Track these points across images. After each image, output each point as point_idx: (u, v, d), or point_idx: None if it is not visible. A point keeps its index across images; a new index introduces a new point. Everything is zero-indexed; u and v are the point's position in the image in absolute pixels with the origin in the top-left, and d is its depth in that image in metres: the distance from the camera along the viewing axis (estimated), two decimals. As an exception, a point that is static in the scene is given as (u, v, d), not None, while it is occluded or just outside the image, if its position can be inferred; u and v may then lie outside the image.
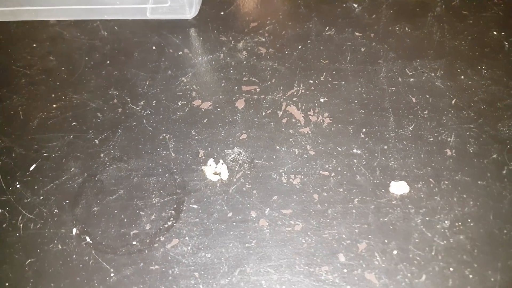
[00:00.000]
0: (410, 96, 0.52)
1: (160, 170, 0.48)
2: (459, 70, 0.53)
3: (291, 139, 0.50)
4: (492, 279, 0.40)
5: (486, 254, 0.41)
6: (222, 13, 0.60)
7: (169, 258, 0.43)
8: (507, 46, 0.55)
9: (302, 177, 0.47)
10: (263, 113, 0.52)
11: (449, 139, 0.48)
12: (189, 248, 0.44)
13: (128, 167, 0.49)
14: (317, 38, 0.57)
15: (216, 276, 0.42)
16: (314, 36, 0.57)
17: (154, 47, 0.57)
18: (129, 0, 0.58)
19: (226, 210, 0.46)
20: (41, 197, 0.48)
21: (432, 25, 0.57)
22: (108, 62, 0.57)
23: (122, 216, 0.46)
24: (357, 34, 0.57)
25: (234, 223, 0.45)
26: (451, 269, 0.41)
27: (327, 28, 0.58)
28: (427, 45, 0.56)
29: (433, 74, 0.53)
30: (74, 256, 0.44)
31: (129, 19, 0.59)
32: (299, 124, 0.51)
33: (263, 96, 0.53)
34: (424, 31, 0.57)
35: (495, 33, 0.57)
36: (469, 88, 0.52)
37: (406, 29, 0.57)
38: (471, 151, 0.47)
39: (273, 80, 0.54)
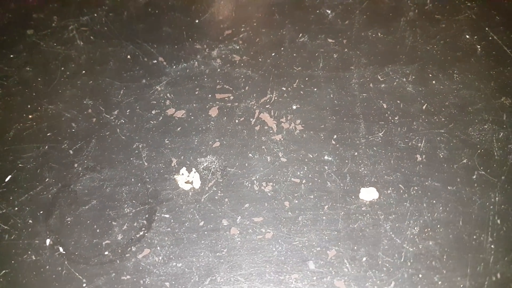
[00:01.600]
0: (381, 102, 0.51)
1: (132, 179, 0.47)
2: (430, 75, 0.53)
3: (263, 147, 0.49)
4: (462, 286, 0.39)
5: (455, 260, 0.41)
6: (196, 21, 0.59)
7: (141, 268, 0.43)
8: (479, 49, 0.55)
9: (274, 184, 0.46)
10: (236, 121, 0.51)
11: (419, 144, 0.47)
12: (160, 258, 0.43)
13: (101, 177, 0.48)
14: (290, 45, 0.56)
15: (186, 286, 0.41)
16: (288, 43, 0.56)
17: (129, 56, 0.56)
18: None
19: (198, 219, 0.45)
20: (16, 208, 0.47)
21: (405, 29, 0.56)
22: (84, 72, 0.56)
23: (95, 226, 0.45)
24: (330, 40, 0.56)
25: (206, 232, 0.44)
26: (420, 275, 0.40)
27: (301, 34, 0.57)
28: (399, 50, 0.55)
29: (404, 80, 0.52)
30: (47, 266, 0.43)
31: (104, 29, 0.58)
32: (271, 131, 0.50)
33: (236, 104, 0.52)
34: (397, 36, 0.56)
35: (467, 36, 0.56)
36: (440, 92, 0.51)
37: (379, 34, 0.56)
38: (441, 156, 0.47)
39: (247, 88, 0.53)
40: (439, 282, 0.39)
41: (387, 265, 0.40)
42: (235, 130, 0.50)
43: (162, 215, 0.45)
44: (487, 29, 0.56)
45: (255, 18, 0.59)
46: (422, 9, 0.58)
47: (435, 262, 0.40)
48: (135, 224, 0.45)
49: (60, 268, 0.43)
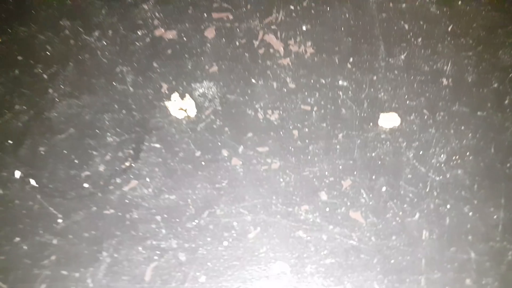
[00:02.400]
0: (402, 22, 0.47)
1: (116, 106, 0.44)
2: (456, -6, 0.50)
3: (268, 72, 0.46)
4: (495, 217, 0.37)
5: (487, 189, 0.38)
6: None
7: (127, 201, 0.39)
8: (508, -30, 0.52)
9: (281, 112, 0.43)
10: (237, 43, 0.48)
11: (445, 67, 0.45)
12: (150, 190, 0.40)
13: (80, 103, 0.44)
14: (298, -41, 0.53)
15: (181, 219, 0.38)
16: (295, -43, 0.53)
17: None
18: None
19: (194, 149, 0.42)
20: (-19, 139, 0.43)
21: None
22: (60, -11, 0.52)
23: (72, 156, 0.41)
24: (342, -46, 0.53)
25: (203, 163, 0.41)
26: (448, 206, 0.38)
27: None
28: (420, -34, 0.52)
29: (427, -1, 0.50)
30: (17, 201, 0.39)
31: None
32: (278, 54, 0.47)
33: (236, 24, 0.49)
34: (417, -47, 0.53)
35: (495, -45, 0.53)
36: (467, 14, 0.48)
37: (397, -50, 0.53)
38: (470, 80, 0.44)
39: (248, 6, 0.49)
40: (470, 213, 0.37)
41: (411, 195, 0.38)
42: (236, 53, 0.47)
43: (152, 144, 0.42)
44: None
45: None
46: None
47: (465, 192, 0.38)
48: (119, 154, 0.41)
49: (31, 203, 0.39)
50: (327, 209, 0.37)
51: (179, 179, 0.39)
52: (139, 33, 0.48)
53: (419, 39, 0.46)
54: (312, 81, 0.44)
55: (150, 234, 0.38)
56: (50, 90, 0.45)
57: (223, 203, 0.38)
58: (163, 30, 0.48)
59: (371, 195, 0.37)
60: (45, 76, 0.46)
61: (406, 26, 0.47)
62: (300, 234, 0.36)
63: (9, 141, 0.42)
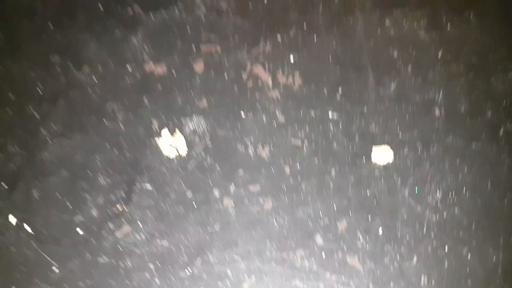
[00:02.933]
0: (391, 50, 0.42)
1: (107, 145, 0.39)
2: (444, 18, 0.44)
3: (257, 104, 0.40)
4: (494, 258, 0.32)
5: (485, 229, 0.33)
6: (177, -37, 0.49)
7: (120, 248, 0.35)
8: (497, -11, 0.46)
9: (271, 147, 0.38)
10: (226, 76, 0.42)
11: (436, 97, 0.39)
12: (142, 236, 0.35)
13: (71, 143, 0.39)
14: (285, -13, 0.47)
15: (174, 268, 0.34)
16: (282, -15, 0.47)
17: (99, 5, 0.46)
18: None
19: (185, 189, 0.37)
20: (-24, 182, 0.38)
21: (414, -32, 0.47)
22: (50, 25, 0.46)
23: (66, 200, 0.37)
24: (330, -20, 0.47)
25: (195, 205, 0.36)
26: (446, 248, 0.33)
27: (297, -24, 0.47)
28: (409, -10, 0.46)
29: (415, 25, 0.43)
30: (12, 248, 0.36)
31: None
32: (266, 86, 0.41)
33: (225, 57, 0.43)
34: (405, -25, 0.47)
35: (484, -25, 0.47)
36: (456, 38, 0.42)
37: (385, -27, 0.47)
38: (462, 109, 0.38)
39: (236, 38, 0.44)
40: (469, 255, 0.32)
41: (408, 237, 0.33)
42: (225, 86, 0.42)
43: (143, 185, 0.37)
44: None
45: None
46: None
47: (463, 232, 0.33)
48: (111, 197, 0.37)
49: (27, 250, 0.35)
50: (324, 255, 0.31)
51: (171, 222, 0.34)
52: (129, 68, 0.42)
53: (409, 67, 0.40)
54: (301, 113, 0.39)
55: (144, 284, 0.34)
56: (42, 130, 0.40)
57: (216, 249, 0.33)
58: (152, 64, 0.42)
59: (367, 238, 0.32)
60: (36, 115, 0.40)
61: (395, 54, 0.41)
62: (297, 283, 0.31)
63: (3, 184, 0.37)
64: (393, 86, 0.40)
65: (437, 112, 0.38)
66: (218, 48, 0.44)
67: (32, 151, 0.39)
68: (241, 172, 0.37)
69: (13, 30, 0.47)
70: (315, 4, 0.45)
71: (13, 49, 0.46)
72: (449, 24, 0.43)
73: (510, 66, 0.41)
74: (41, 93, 0.42)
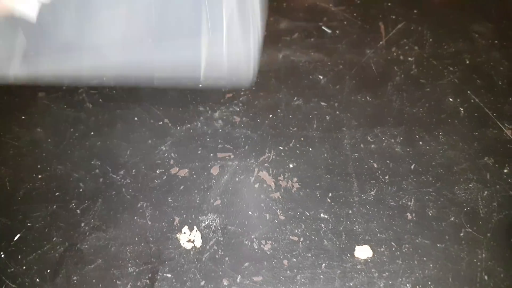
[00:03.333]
0: (371, 161, 0.52)
1: (136, 238, 0.47)
2: (417, 136, 0.54)
3: (262, 204, 0.49)
4: None
5: None
6: (200, 85, 0.60)
7: None
8: (462, 111, 0.56)
9: (273, 242, 0.46)
10: (237, 179, 0.52)
11: (409, 203, 0.48)
12: (163, 318, 0.42)
13: (107, 236, 0.48)
14: (286, 107, 0.57)
15: None
16: (284, 106, 0.58)
17: (136, 118, 0.57)
18: (181, 69, 0.50)
19: (199, 278, 0.44)
20: (24, 267, 0.46)
21: (392, 94, 0.58)
22: (92, 133, 0.57)
23: (100, 285, 0.44)
24: (322, 103, 0.57)
25: (207, 290, 0.44)
26: (415, 336, 0.40)
27: (295, 98, 0.58)
28: (387, 113, 0.56)
29: (393, 141, 0.53)
30: None
31: (113, 92, 0.59)
32: (270, 189, 0.50)
33: (236, 163, 0.53)
34: (384, 100, 0.57)
35: (451, 99, 0.57)
36: (427, 153, 0.52)
37: (368, 98, 0.58)
38: (430, 214, 0.47)
39: (246, 147, 0.54)
40: None
41: (383, 324, 0.40)
42: (236, 188, 0.51)
43: (164, 274, 0.45)
44: (469, 92, 0.58)
45: (253, 82, 0.60)
46: (407, 74, 0.60)
47: (429, 322, 0.40)
48: (138, 284, 0.44)
49: None
50: None
51: (187, 307, 0.41)
52: (157, 171, 0.51)
53: (386, 177, 0.49)
54: (298, 213, 0.47)
55: None
56: (82, 224, 0.48)
57: (224, 331, 0.40)
58: (177, 168, 0.52)
59: (350, 326, 0.39)
60: (78, 211, 0.49)
61: (375, 165, 0.50)
62: None
63: (48, 270, 0.45)
64: (373, 192, 0.49)
65: (409, 216, 0.47)
66: (232, 155, 0.54)
67: (73, 242, 0.48)
68: (246, 264, 0.45)
69: (61, 137, 0.58)
70: (311, 121, 0.56)
71: (59, 153, 0.56)
72: (421, 142, 0.53)
73: (472, 178, 0.50)
74: (82, 191, 0.52)
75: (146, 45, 0.50)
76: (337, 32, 0.64)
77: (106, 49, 0.50)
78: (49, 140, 0.57)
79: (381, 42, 0.63)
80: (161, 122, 0.57)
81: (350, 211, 0.48)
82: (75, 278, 0.45)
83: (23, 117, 0.60)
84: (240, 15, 0.47)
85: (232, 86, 0.56)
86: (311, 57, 0.62)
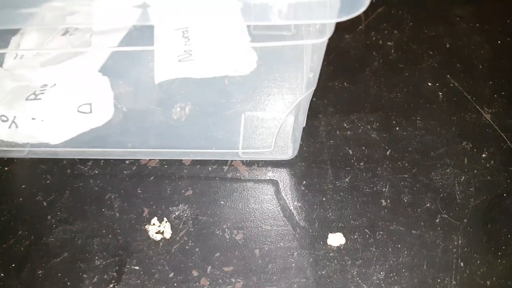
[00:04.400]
0: (347, 148, 0.52)
1: (104, 231, 0.47)
2: (394, 122, 0.54)
3: (235, 194, 0.49)
4: None
5: None
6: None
7: None
8: (441, 96, 0.56)
9: (245, 232, 0.46)
10: (209, 168, 0.52)
11: (384, 189, 0.48)
12: (129, 310, 0.42)
13: (73, 228, 0.48)
14: (261, 94, 0.58)
15: None
16: (258, 92, 0.58)
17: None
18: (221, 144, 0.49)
19: (168, 270, 0.44)
20: (-12, 262, 0.46)
21: (370, 79, 0.58)
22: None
23: (66, 279, 0.44)
24: (298, 90, 0.58)
25: (175, 284, 0.43)
26: (378, 321, 0.40)
27: (270, 84, 0.58)
28: (364, 98, 0.56)
29: (369, 127, 0.54)
30: None
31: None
32: (243, 178, 0.51)
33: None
34: (362, 86, 0.57)
35: (429, 84, 0.58)
36: (403, 139, 0.52)
37: (345, 84, 0.58)
38: (405, 200, 0.47)
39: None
40: (406, 329, 0.40)
41: (354, 311, 0.40)
42: (208, 177, 0.51)
43: (132, 267, 0.45)
44: (448, 76, 0.58)
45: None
46: (386, 58, 0.60)
47: (401, 308, 0.41)
48: (105, 277, 0.44)
49: None
50: (283, 329, 0.39)
51: (154, 299, 0.42)
52: (126, 162, 0.52)
53: (362, 163, 0.49)
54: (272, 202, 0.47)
55: None
56: (49, 217, 0.48)
57: (191, 322, 0.40)
58: (147, 159, 0.52)
59: (320, 313, 0.39)
60: (44, 203, 0.49)
61: (351, 152, 0.51)
62: None
63: (13, 265, 0.45)
64: (347, 179, 0.49)
65: (383, 202, 0.47)
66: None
67: (39, 235, 0.48)
68: (217, 254, 0.45)
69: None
70: (285, 109, 0.56)
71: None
72: (397, 127, 0.54)
73: (449, 163, 0.50)
74: (49, 183, 0.52)
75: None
76: (315, 17, 0.64)
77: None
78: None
79: (360, 27, 0.63)
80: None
81: (324, 199, 0.48)
82: (40, 272, 0.45)
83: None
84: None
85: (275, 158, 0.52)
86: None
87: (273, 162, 0.51)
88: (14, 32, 0.50)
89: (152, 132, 0.53)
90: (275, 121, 0.47)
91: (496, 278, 0.42)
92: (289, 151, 0.51)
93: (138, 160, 0.53)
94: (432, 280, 0.42)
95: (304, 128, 0.51)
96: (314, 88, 0.43)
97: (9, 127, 0.48)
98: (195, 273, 0.44)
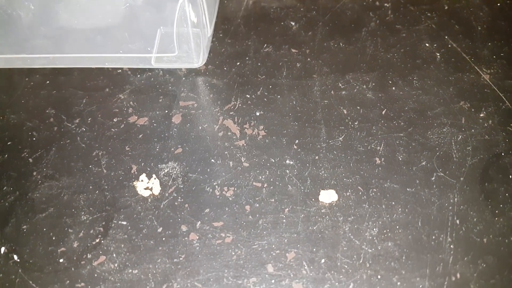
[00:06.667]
0: (341, 108, 0.50)
1: (90, 187, 0.46)
2: (390, 82, 0.52)
3: (226, 152, 0.48)
4: (421, 286, 0.38)
5: (414, 260, 0.39)
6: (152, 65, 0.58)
7: (95, 275, 0.40)
8: (438, 57, 0.55)
9: (235, 189, 0.45)
10: (200, 127, 0.50)
11: (378, 148, 0.47)
12: (116, 265, 0.41)
13: (59, 184, 0.46)
14: (255, 55, 0.56)
15: (142, 293, 0.39)
16: (252, 53, 0.56)
17: (93, 66, 0.55)
18: (132, 49, 0.51)
19: (156, 225, 0.43)
20: (-28, 218, 0.45)
21: (366, 39, 0.56)
22: (48, 82, 0.55)
23: (51, 234, 0.43)
24: (293, 50, 0.56)
25: (164, 239, 0.42)
26: (379, 276, 0.39)
27: (265, 45, 0.57)
28: (360, 59, 0.54)
29: (364, 87, 0.52)
30: (1, 275, 0.41)
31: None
32: (234, 137, 0.49)
33: (200, 111, 0.51)
34: (358, 46, 0.56)
35: (427, 45, 0.56)
36: (400, 98, 0.51)
37: (341, 44, 0.56)
38: (400, 159, 0.46)
39: (211, 95, 0.52)
40: (398, 283, 0.38)
41: (346, 266, 0.39)
42: (198, 136, 0.49)
43: (119, 222, 0.43)
44: (446, 37, 0.56)
45: (221, 29, 0.59)
46: (383, 20, 0.58)
47: (394, 263, 0.39)
48: (91, 232, 0.43)
49: (13, 276, 0.41)
50: (273, 281, 0.38)
51: (141, 254, 0.41)
52: (115, 120, 0.50)
53: (356, 123, 0.48)
54: (263, 160, 0.46)
55: (114, 307, 0.38)
56: (34, 173, 0.47)
57: (180, 277, 0.39)
58: (136, 117, 0.50)
59: (311, 267, 0.38)
60: (30, 160, 0.48)
61: (345, 111, 0.49)
62: (247, 305, 0.37)
63: (-4, 220, 0.43)
64: (341, 138, 0.48)
65: (377, 161, 0.46)
66: (195, 103, 0.52)
67: (24, 191, 0.46)
68: (207, 210, 0.44)
69: (15, 86, 0.55)
70: (280, 69, 0.54)
71: (13, 103, 0.54)
72: (394, 87, 0.52)
73: (446, 122, 0.49)
74: (35, 140, 0.50)
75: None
76: (310, -23, 0.62)
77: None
78: (3, 90, 0.55)
79: (356, -12, 0.61)
80: (119, 70, 0.55)
81: (317, 157, 0.46)
82: (25, 227, 0.44)
83: (-26, 66, 0.57)
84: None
85: (184, 66, 0.54)
86: (282, 3, 0.60)
87: (265, 122, 0.49)
88: None
89: (68, 37, 0.51)
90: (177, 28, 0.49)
91: (493, 236, 0.41)
92: (195, 58, 0.51)
93: (126, 118, 0.51)
94: (426, 237, 0.40)
95: (295, 86, 0.50)
96: None
97: None
98: (184, 228, 0.43)
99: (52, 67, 0.55)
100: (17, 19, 0.50)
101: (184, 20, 0.49)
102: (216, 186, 0.45)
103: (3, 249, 0.43)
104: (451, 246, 0.40)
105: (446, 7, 0.59)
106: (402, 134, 0.47)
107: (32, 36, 0.52)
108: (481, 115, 0.49)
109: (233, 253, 0.41)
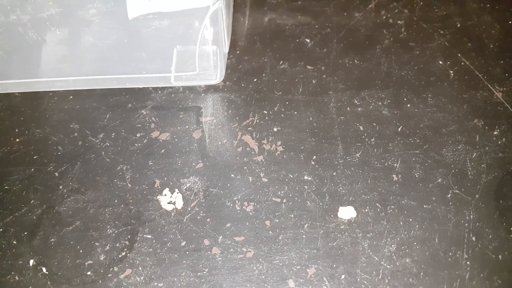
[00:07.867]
0: (357, 124, 0.51)
1: (116, 201, 0.47)
2: (405, 99, 0.53)
3: (245, 167, 0.49)
4: None
5: (431, 276, 0.40)
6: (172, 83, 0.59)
7: None
8: (452, 74, 0.55)
9: (255, 204, 0.46)
10: (219, 143, 0.51)
11: (395, 164, 0.47)
12: (141, 278, 0.42)
13: (85, 198, 0.47)
14: (271, 71, 0.57)
15: (167, 306, 0.40)
16: (269, 70, 0.57)
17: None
18: (150, 68, 0.51)
19: (180, 239, 0.44)
20: (1, 229, 0.46)
21: (380, 56, 0.57)
22: (71, 97, 0.56)
23: (78, 247, 0.44)
24: (308, 67, 0.55)
25: (187, 252, 0.43)
26: (397, 292, 0.39)
27: (281, 62, 0.56)
28: (375, 76, 0.55)
29: (380, 103, 0.53)
30: (30, 287, 0.42)
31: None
32: (253, 152, 0.50)
33: (219, 127, 0.52)
34: (372, 63, 0.56)
35: (440, 62, 0.57)
36: (415, 115, 0.51)
37: (355, 61, 0.57)
38: (417, 176, 0.46)
39: (229, 111, 0.53)
40: (417, 299, 0.39)
41: (366, 282, 0.40)
42: (218, 151, 0.50)
43: (144, 235, 0.44)
44: (459, 55, 0.57)
45: (237, 46, 0.59)
46: (397, 37, 0.59)
47: (412, 279, 0.40)
48: (117, 245, 0.44)
49: None
50: (294, 296, 0.38)
51: (166, 268, 0.41)
52: (138, 135, 0.51)
53: (372, 139, 0.49)
54: (281, 175, 0.47)
55: (141, 318, 0.39)
56: (60, 187, 0.48)
57: (203, 290, 0.39)
58: (158, 132, 0.51)
59: (332, 283, 0.39)
60: (56, 174, 0.48)
61: (361, 128, 0.50)
62: (270, 319, 0.38)
63: (25, 232, 0.44)
64: (358, 154, 0.48)
65: (395, 177, 0.46)
66: (214, 119, 0.53)
67: (51, 204, 0.47)
68: (228, 224, 0.44)
69: (39, 101, 0.56)
70: (296, 85, 0.55)
71: (38, 117, 0.55)
72: (409, 104, 0.53)
73: (460, 140, 0.49)
74: (60, 154, 0.51)
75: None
76: (326, -5, 0.63)
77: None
78: (27, 104, 0.56)
79: (370, 5, 0.62)
80: (141, 86, 0.56)
81: (334, 173, 0.47)
82: (52, 239, 0.45)
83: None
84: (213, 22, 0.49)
85: (203, 83, 0.55)
86: (298, 20, 0.61)
87: (283, 137, 0.50)
88: None
89: (87, 58, 0.52)
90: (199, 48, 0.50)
91: (508, 252, 0.41)
92: (214, 75, 0.52)
93: (149, 133, 0.52)
94: (443, 253, 0.41)
95: (311, 103, 0.51)
96: (217, 7, 0.46)
97: None
98: (206, 242, 0.43)
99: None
100: (42, 44, 0.51)
101: (203, 38, 0.50)
102: (237, 201, 0.46)
103: (32, 261, 0.44)
104: (468, 262, 0.41)
105: (458, 25, 0.60)
106: (418, 151, 0.48)
107: (55, 60, 0.53)
108: (495, 132, 0.50)
109: (255, 268, 0.42)
